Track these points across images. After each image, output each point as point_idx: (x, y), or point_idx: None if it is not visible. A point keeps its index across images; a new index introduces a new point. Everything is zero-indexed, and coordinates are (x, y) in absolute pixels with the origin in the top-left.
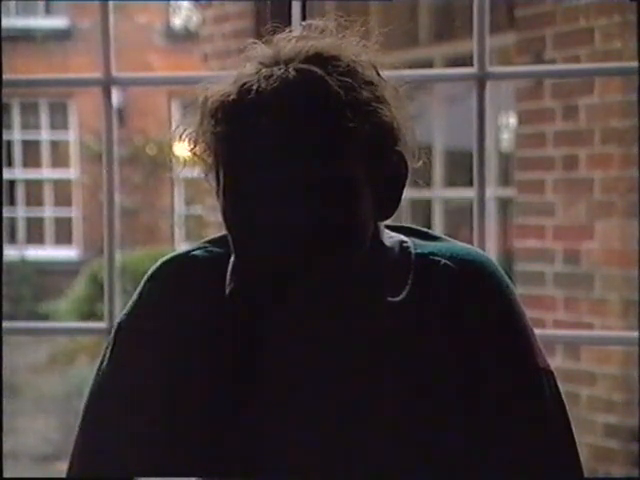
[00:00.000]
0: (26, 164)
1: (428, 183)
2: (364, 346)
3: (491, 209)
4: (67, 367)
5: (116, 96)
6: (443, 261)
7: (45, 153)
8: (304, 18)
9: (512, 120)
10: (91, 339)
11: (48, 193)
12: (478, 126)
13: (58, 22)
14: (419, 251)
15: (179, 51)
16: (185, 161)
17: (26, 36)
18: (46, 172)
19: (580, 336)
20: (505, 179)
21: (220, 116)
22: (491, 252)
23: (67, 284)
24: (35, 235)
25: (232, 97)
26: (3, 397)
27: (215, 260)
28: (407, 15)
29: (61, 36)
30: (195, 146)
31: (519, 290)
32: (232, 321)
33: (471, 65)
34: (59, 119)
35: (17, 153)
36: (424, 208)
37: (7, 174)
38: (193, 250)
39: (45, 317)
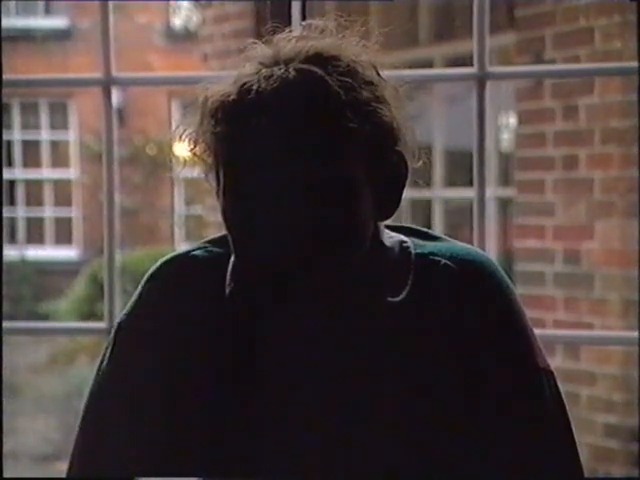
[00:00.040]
0: (26, 164)
1: (428, 183)
2: (364, 346)
3: (491, 209)
4: (67, 367)
5: (116, 96)
6: (443, 261)
7: (45, 153)
8: (304, 18)
9: (512, 120)
10: (91, 339)
11: (48, 193)
12: (478, 126)
13: (58, 22)
14: (419, 251)
15: (179, 51)
16: (185, 161)
17: (26, 36)
18: (46, 172)
19: (580, 336)
20: (505, 179)
21: (220, 116)
22: (491, 252)
23: (67, 284)
24: (35, 235)
25: (232, 97)
26: (3, 397)
27: (215, 260)
28: (407, 15)
29: (61, 36)
30: (195, 146)
31: (519, 290)
32: (232, 321)
33: (471, 65)
34: (59, 119)
35: (17, 153)
36: (424, 208)
37: (7, 174)
38: (193, 250)
39: (45, 317)
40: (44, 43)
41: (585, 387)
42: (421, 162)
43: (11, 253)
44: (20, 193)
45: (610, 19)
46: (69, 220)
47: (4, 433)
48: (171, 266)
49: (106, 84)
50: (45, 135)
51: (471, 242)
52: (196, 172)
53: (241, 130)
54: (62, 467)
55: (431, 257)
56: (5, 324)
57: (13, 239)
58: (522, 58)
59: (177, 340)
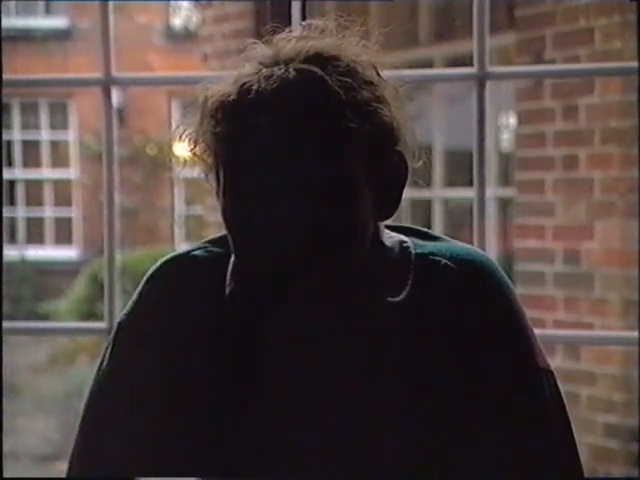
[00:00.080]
0: (26, 164)
1: (428, 183)
2: (364, 346)
3: (491, 209)
4: (67, 367)
5: (116, 96)
6: (443, 261)
7: (45, 153)
8: (304, 18)
9: (512, 120)
10: (91, 339)
11: (48, 193)
12: (478, 126)
13: (58, 22)
14: (419, 251)
15: (179, 51)
16: (185, 161)
17: (26, 36)
18: (46, 172)
19: (580, 336)
20: (505, 179)
21: (220, 116)
22: (491, 252)
23: (67, 284)
24: (35, 235)
25: (232, 97)
26: (3, 397)
27: (215, 260)
28: (407, 15)
29: (61, 36)
30: (195, 146)
31: (519, 290)
32: (232, 321)
33: (471, 65)
34: (59, 119)
35: (17, 153)
36: (424, 208)
37: (7, 174)
38: (193, 250)
39: (45, 317)
40: (44, 43)
41: (585, 387)
42: (421, 162)
43: (11, 253)
44: (20, 193)
45: (610, 19)
46: (69, 220)
47: (4, 433)
48: (171, 266)
49: (106, 84)
50: (45, 135)
51: (471, 242)
52: (196, 172)
53: (241, 130)
54: (62, 467)
55: (431, 257)
56: (5, 324)
57: (13, 239)
58: (522, 58)
59: (177, 340)
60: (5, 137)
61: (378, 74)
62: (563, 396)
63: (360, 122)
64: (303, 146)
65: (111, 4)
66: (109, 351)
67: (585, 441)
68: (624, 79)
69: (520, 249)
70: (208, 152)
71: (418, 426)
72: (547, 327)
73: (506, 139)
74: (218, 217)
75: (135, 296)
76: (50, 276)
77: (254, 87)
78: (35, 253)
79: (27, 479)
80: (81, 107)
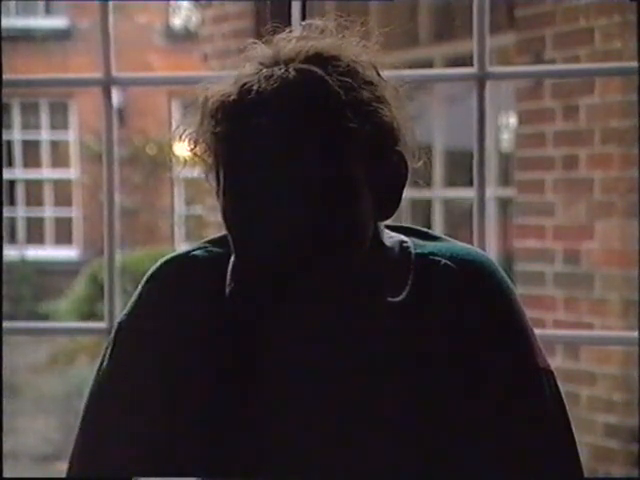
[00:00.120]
0: (26, 164)
1: (428, 183)
2: (364, 346)
3: (491, 209)
4: (67, 367)
5: (116, 96)
6: (443, 261)
7: (45, 153)
8: (304, 18)
9: (512, 120)
10: (91, 339)
11: (48, 193)
12: (478, 126)
13: (58, 22)
14: (419, 251)
15: (179, 51)
16: (185, 161)
17: (26, 36)
18: (46, 172)
19: (580, 336)
20: (505, 179)
21: (220, 116)
22: (491, 252)
23: (67, 284)
24: (35, 235)
25: (232, 97)
26: (3, 397)
27: (215, 260)
28: (407, 15)
29: (61, 36)
30: (195, 146)
31: (519, 290)
32: (232, 321)
33: (471, 65)
34: (59, 119)
35: (17, 153)
36: (424, 208)
37: (7, 174)
38: (193, 250)
39: (45, 317)
40: (44, 43)
41: (585, 387)
42: (421, 162)
43: (11, 253)
44: (20, 193)
45: (610, 19)
46: (69, 220)
47: (4, 433)
48: (171, 266)
49: (106, 84)
50: (45, 135)
51: (471, 242)
52: (196, 172)
53: (241, 130)
54: (62, 467)
55: (431, 257)
56: (5, 324)
57: (13, 239)
58: (522, 58)
59: (177, 340)
60: (5, 137)
61: (378, 74)
62: (563, 396)
63: (360, 122)
64: (303, 146)
65: (111, 4)
66: (109, 351)
67: (585, 441)
68: (624, 79)
69: (520, 249)
70: (208, 152)
71: (418, 426)
72: (547, 327)
73: (506, 139)
74: (218, 217)
75: (135, 296)
76: (50, 276)
77: (254, 87)
78: (35, 253)
79: (27, 479)
80: (81, 107)
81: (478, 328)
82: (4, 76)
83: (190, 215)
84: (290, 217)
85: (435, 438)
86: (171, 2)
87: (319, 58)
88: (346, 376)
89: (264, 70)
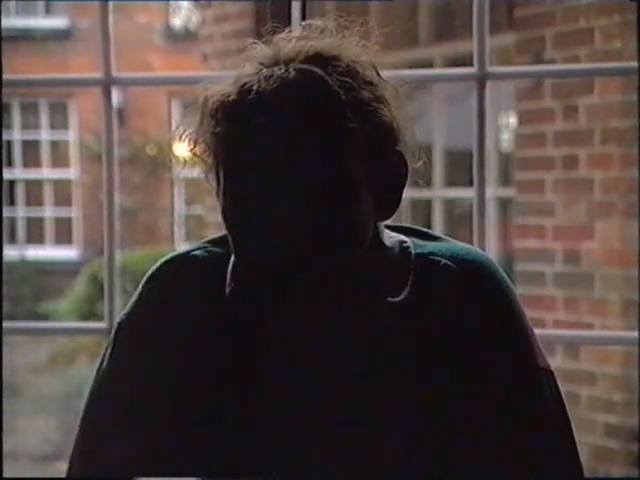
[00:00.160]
0: (26, 164)
1: (428, 183)
2: (364, 346)
3: (491, 209)
4: (67, 367)
5: (116, 96)
6: (443, 261)
7: (45, 153)
8: (304, 18)
9: (512, 120)
10: (91, 339)
11: (48, 193)
12: (478, 126)
13: (58, 22)
14: (419, 251)
15: (179, 51)
16: (185, 161)
17: (26, 36)
18: (46, 172)
19: (580, 336)
20: (505, 179)
21: (220, 116)
22: (491, 252)
23: (67, 284)
24: (35, 235)
25: (232, 97)
26: (3, 397)
27: (215, 260)
28: (407, 15)
29: (61, 36)
30: (195, 146)
31: (519, 290)
32: (232, 321)
33: (471, 65)
34: (59, 119)
35: (17, 153)
36: (424, 208)
37: (7, 174)
38: (193, 250)
39: (45, 317)
40: (44, 43)
41: (585, 387)
42: (421, 162)
43: (11, 253)
44: (20, 193)
45: (610, 19)
46: (69, 220)
47: (4, 433)
48: (171, 266)
49: (106, 84)
50: (45, 135)
51: (471, 242)
52: (196, 172)
53: (241, 130)
54: (62, 467)
55: (431, 257)
56: (5, 324)
57: (13, 239)
58: (522, 58)
59: (177, 340)
60: (5, 137)
61: (378, 74)
62: (563, 396)
63: (360, 122)
64: (303, 146)
65: (111, 4)
66: (109, 351)
67: (585, 441)
68: (624, 79)
69: (520, 249)
70: (208, 152)
71: (418, 426)
72: (547, 327)
73: (506, 139)
74: (218, 217)
75: (135, 296)
76: (50, 276)
77: (254, 87)
78: (35, 253)
79: (27, 479)
80: (81, 107)
81: (478, 328)
82: (4, 76)
83: (190, 215)
84: (290, 217)
85: (435, 438)
86: (171, 2)
87: (319, 58)
88: (346, 376)
89: (264, 70)
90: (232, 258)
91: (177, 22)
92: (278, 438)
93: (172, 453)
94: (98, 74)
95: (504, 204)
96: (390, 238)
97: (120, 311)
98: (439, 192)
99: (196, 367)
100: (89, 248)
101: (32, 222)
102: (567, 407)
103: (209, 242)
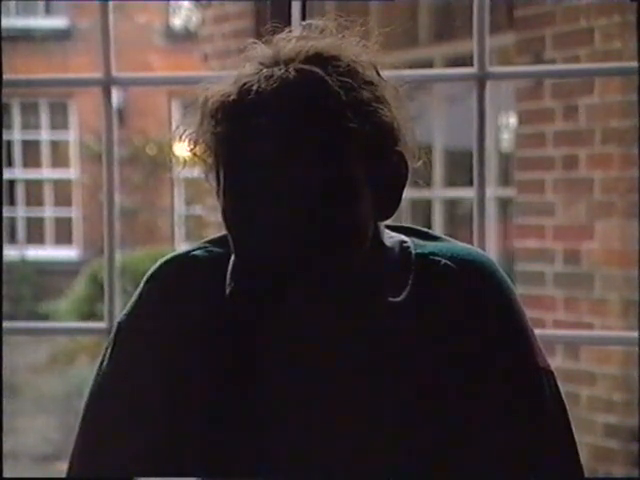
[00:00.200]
0: (26, 164)
1: (428, 183)
2: (364, 346)
3: (491, 209)
4: (67, 367)
5: (116, 96)
6: (443, 261)
7: (45, 153)
8: (304, 18)
9: (512, 120)
10: (91, 339)
11: (48, 193)
12: (478, 126)
13: (58, 22)
14: (419, 251)
15: (179, 51)
16: (185, 161)
17: (26, 36)
18: (46, 172)
19: (580, 336)
20: (505, 179)
21: (220, 116)
22: (491, 252)
23: (67, 284)
24: (35, 235)
25: (232, 97)
26: (3, 397)
27: (215, 260)
28: (407, 15)
29: (61, 36)
30: (195, 146)
31: (519, 290)
32: (232, 321)
33: (471, 65)
34: (59, 119)
35: (17, 153)
36: (424, 208)
37: (7, 174)
38: (193, 250)
39: (45, 317)
40: (44, 43)
41: (585, 387)
42: (421, 162)
43: (11, 253)
44: (20, 193)
45: (610, 19)
46: (69, 220)
47: (4, 433)
48: (171, 266)
49: (106, 84)
50: (45, 135)
51: (471, 242)
52: (196, 172)
53: (241, 130)
54: (62, 467)
55: (431, 257)
56: (5, 324)
57: (13, 239)
58: (522, 58)
59: (177, 340)
60: (5, 137)
61: (378, 74)
62: (563, 396)
63: (360, 122)
64: (303, 146)
65: (111, 4)
66: (109, 351)
67: (585, 441)
68: (624, 79)
69: (520, 249)
70: (208, 152)
71: (418, 426)
72: (547, 327)
73: (506, 139)
74: (218, 217)
75: (135, 296)
76: (50, 276)
77: (254, 87)
78: (35, 253)
79: (27, 479)
80: (81, 107)
81: (478, 328)
82: (4, 76)
83: (190, 215)
84: (290, 217)
85: (435, 438)
86: (171, 2)
87: (319, 58)
88: (346, 376)
89: (264, 70)
90: (232, 258)
91: (177, 22)
92: (278, 438)
93: (172, 453)
94: (98, 74)
95: (504, 204)
96: (390, 238)
97: (120, 311)
98: (439, 192)
99: (196, 367)
100: (89, 248)
101: (32, 222)
102: (567, 407)
103: (209, 242)
